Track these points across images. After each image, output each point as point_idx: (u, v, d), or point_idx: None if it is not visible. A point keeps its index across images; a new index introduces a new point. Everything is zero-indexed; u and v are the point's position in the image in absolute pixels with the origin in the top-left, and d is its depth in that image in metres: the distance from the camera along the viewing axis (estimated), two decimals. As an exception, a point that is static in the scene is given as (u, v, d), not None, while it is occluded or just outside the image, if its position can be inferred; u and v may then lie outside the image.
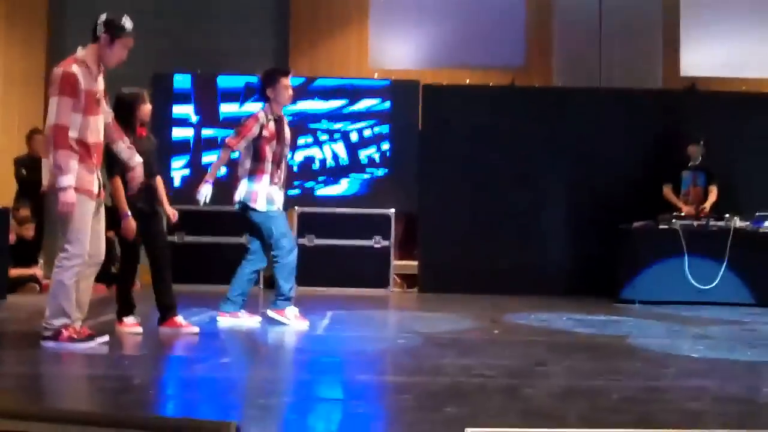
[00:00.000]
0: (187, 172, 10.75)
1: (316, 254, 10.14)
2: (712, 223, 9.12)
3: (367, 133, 10.77)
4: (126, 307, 6.01)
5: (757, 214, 9.21)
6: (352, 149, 10.76)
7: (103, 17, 5.21)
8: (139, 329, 5.91)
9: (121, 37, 5.21)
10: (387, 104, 10.81)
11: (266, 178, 6.54)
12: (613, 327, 6.90)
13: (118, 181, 5.83)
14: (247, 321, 6.61)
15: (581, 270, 9.96)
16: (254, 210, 6.52)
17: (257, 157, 6.54)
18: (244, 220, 6.66)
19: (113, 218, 5.94)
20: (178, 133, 10.76)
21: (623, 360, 5.15)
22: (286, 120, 6.78)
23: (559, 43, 12.03)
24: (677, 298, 8.82)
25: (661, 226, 9.09)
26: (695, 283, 8.86)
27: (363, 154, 10.77)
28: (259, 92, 6.72)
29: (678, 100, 10.71)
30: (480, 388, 4.13)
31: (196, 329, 6.02)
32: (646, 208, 9.48)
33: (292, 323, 6.41)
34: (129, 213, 5.84)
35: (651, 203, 9.59)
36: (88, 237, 5.09)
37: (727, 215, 9.13)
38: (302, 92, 10.58)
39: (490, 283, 9.94)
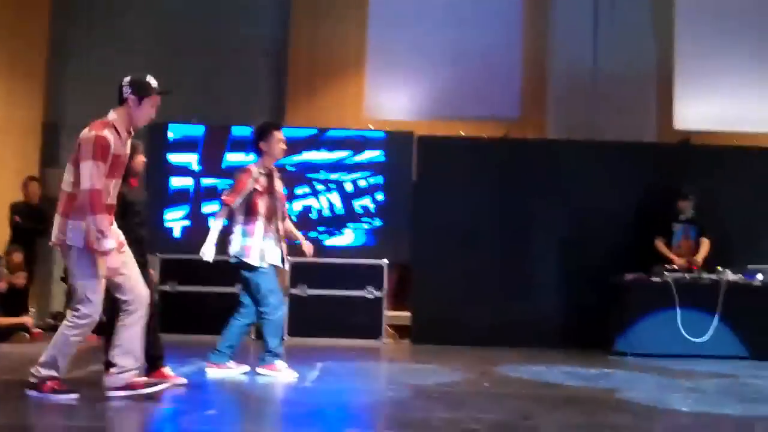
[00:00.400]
0: (187, 222, 10.81)
1: (308, 304, 10.14)
2: (704, 275, 9.14)
3: (362, 183, 10.82)
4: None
5: (748, 267, 9.24)
6: (347, 199, 10.81)
7: (127, 79, 5.29)
8: (126, 379, 5.86)
9: (150, 96, 5.27)
10: (381, 155, 10.87)
11: (259, 232, 6.57)
12: (604, 380, 6.87)
13: None
14: (236, 371, 6.59)
15: (574, 322, 9.94)
16: (246, 264, 6.54)
17: (250, 211, 6.58)
18: (237, 273, 6.68)
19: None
20: (177, 182, 10.82)
21: (611, 414, 5.12)
22: (276, 173, 6.82)
23: (554, 95, 12.12)
24: (670, 350, 8.80)
25: (653, 279, 9.11)
26: (688, 336, 8.86)
27: (357, 204, 10.81)
28: (253, 145, 6.78)
29: (671, 153, 10.78)
30: (466, 443, 4.11)
31: (184, 380, 5.98)
32: (639, 260, 9.50)
33: (280, 375, 6.39)
34: None
35: (643, 256, 9.61)
36: (100, 297, 5.12)
37: (719, 268, 9.15)
38: (304, 144, 10.73)
39: (482, 335, 9.91)
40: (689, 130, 11.60)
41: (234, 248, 6.58)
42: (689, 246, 9.73)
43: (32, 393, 5.05)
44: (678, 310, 8.90)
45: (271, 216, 6.65)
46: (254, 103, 11.97)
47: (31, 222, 10.32)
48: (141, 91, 5.24)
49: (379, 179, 10.86)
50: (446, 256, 10.38)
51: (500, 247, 10.30)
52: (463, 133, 11.29)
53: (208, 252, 6.52)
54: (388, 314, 10.51)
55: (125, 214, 5.87)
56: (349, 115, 11.99)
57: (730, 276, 9.07)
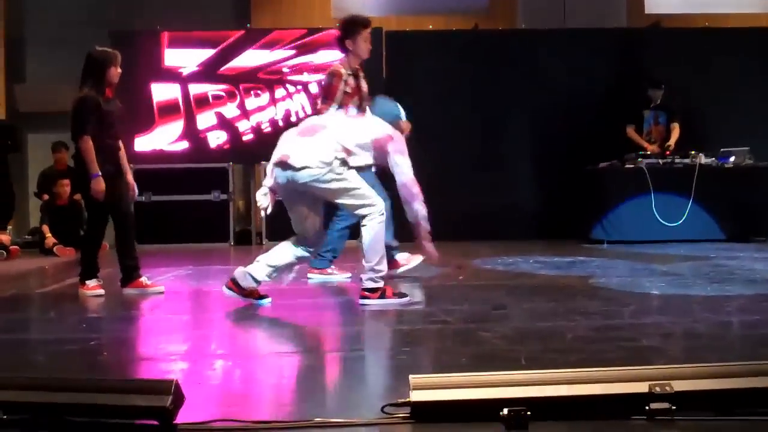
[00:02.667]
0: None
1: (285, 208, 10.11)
2: (677, 160, 9.16)
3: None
4: (89, 270, 5.96)
5: (722, 150, 9.26)
6: (315, 100, 10.67)
7: None
8: (102, 291, 5.88)
9: None
10: (351, 54, 10.68)
11: None
12: (578, 268, 6.94)
13: (88, 141, 5.75)
14: (338, 276, 6.51)
15: (550, 213, 10.00)
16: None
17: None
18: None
19: (80, 179, 5.89)
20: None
21: (583, 300, 5.17)
22: (361, 73, 6.48)
23: (524, -16, 11.94)
24: (645, 236, 8.87)
25: (627, 166, 9.13)
26: (663, 221, 8.91)
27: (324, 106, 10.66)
28: (338, 43, 6.41)
29: (642, 38, 10.69)
30: (436, 335, 4.15)
31: (162, 288, 6.00)
32: (612, 148, 9.49)
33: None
34: (99, 173, 5.76)
35: (616, 144, 9.60)
36: None
37: (693, 152, 9.16)
38: (261, 44, 10.54)
39: (459, 230, 9.95)
40: (660, 13, 11.49)
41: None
42: (660, 131, 9.73)
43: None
44: (652, 196, 8.93)
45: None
46: (217, 2, 11.79)
47: (1, 138, 10.19)
48: None
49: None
50: (420, 152, 10.27)
51: (473, 140, 10.28)
52: (431, 27, 11.13)
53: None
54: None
55: (100, 124, 5.80)
56: (316, 14, 11.79)
57: (703, 159, 9.10)
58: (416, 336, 4.12)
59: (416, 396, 2.58)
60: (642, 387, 2.60)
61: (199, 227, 10.19)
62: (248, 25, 11.38)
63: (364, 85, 6.46)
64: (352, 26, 6.30)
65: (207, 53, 10.60)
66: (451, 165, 10.28)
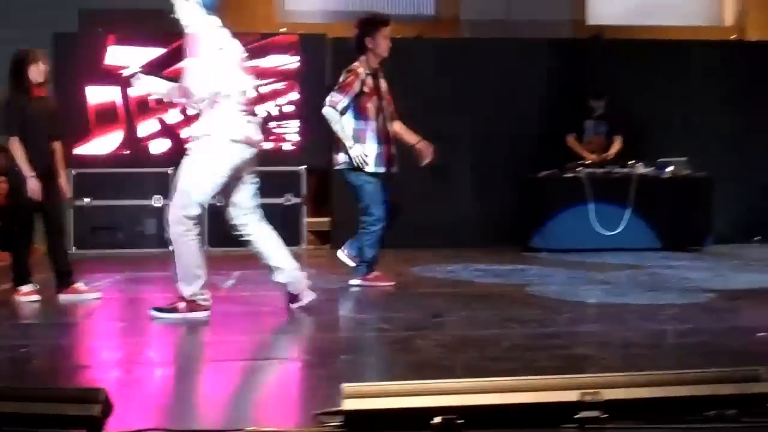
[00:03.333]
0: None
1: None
2: (616, 170, 9.27)
3: (275, 89, 10.59)
4: (21, 275, 5.84)
5: (659, 160, 9.40)
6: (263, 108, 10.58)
7: None
8: (36, 297, 5.78)
9: None
10: (295, 59, 10.65)
11: (373, 137, 6.28)
12: (517, 276, 6.99)
13: (16, 142, 5.66)
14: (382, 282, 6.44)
15: (490, 221, 10.04)
16: (361, 171, 6.27)
17: (359, 115, 6.26)
18: (345, 179, 6.46)
19: (13, 180, 5.79)
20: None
21: (520, 308, 5.22)
22: (381, 72, 6.44)
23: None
24: (584, 245, 8.94)
25: (566, 175, 9.22)
26: (601, 230, 9.01)
27: (270, 112, 10.58)
28: (356, 42, 6.36)
29: (584, 49, 10.81)
30: (373, 343, 4.16)
31: (98, 294, 5.91)
32: (553, 158, 9.58)
33: (377, 284, 6.31)
34: (34, 174, 5.67)
35: (557, 153, 9.69)
36: None
37: (631, 162, 9.29)
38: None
39: (401, 237, 9.91)
40: (602, 24, 11.65)
41: (343, 154, 6.28)
42: (600, 142, 9.85)
43: None
44: (591, 205, 9.03)
45: (380, 119, 6.34)
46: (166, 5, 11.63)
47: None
48: None
49: (293, 84, 10.65)
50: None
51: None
52: (376, 35, 11.13)
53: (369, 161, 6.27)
54: (309, 221, 10.51)
55: (28, 125, 5.70)
56: (261, 19, 11.73)
57: (641, 169, 9.22)
58: (353, 344, 4.12)
59: (349, 405, 2.58)
60: (572, 395, 2.63)
61: (139, 233, 10.07)
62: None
63: (384, 85, 6.43)
64: (372, 24, 6.29)
65: (154, 53, 10.39)
66: (412, 172, 10.27)
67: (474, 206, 10.26)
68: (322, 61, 10.59)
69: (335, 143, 6.42)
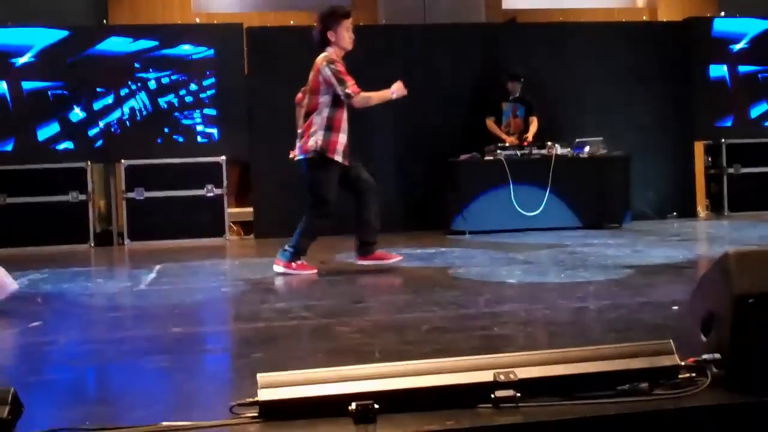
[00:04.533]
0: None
1: (147, 207, 9.93)
2: (534, 151, 9.39)
3: (192, 80, 10.44)
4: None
5: (577, 140, 9.54)
6: (180, 99, 10.41)
7: None
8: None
9: None
10: (211, 50, 10.52)
11: (345, 127, 6.23)
12: (440, 259, 7.04)
13: None
14: (391, 258, 6.41)
15: (413, 205, 10.10)
16: (325, 159, 6.15)
17: (337, 105, 6.18)
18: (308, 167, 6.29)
19: None
20: None
21: (441, 291, 5.25)
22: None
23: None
24: (505, 226, 9.07)
25: (486, 158, 9.30)
26: (521, 211, 9.13)
27: (187, 103, 10.43)
28: (319, 37, 6.28)
29: (499, 32, 10.90)
30: (293, 331, 4.13)
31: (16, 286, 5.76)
32: (472, 141, 9.66)
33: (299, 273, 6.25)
34: None
35: (476, 136, 9.78)
36: None
37: (549, 143, 9.42)
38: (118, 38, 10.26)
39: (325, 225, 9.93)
40: (517, 8, 11.76)
41: (316, 142, 6.17)
42: (518, 124, 9.97)
43: None
44: (511, 187, 9.14)
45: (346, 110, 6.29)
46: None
47: None
48: None
49: (211, 75, 10.52)
50: (284, 148, 10.25)
51: (337, 135, 10.27)
52: (293, 23, 11.08)
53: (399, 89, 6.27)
54: (232, 211, 10.43)
55: None
56: (176, 10, 11.59)
57: (559, 150, 9.36)
58: (273, 333, 4.09)
59: (264, 395, 2.56)
60: (487, 376, 2.65)
61: (57, 229, 9.88)
62: (105, 21, 11.08)
63: None
64: (333, 17, 6.23)
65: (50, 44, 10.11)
66: (315, 160, 10.25)
67: (397, 191, 10.30)
68: (239, 50, 10.50)
69: (304, 131, 6.29)
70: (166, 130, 10.31)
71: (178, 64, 10.33)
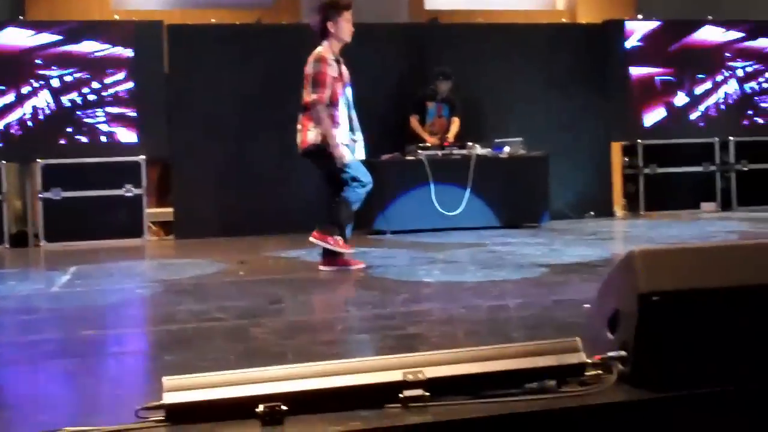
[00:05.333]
0: None
1: (63, 207, 9.73)
2: (455, 151, 9.46)
3: (110, 78, 10.26)
4: None
5: (496, 140, 9.64)
6: (99, 96, 10.21)
7: None
8: None
9: None
10: (130, 49, 10.34)
11: (344, 120, 6.14)
12: (359, 258, 7.00)
13: None
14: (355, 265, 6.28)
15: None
16: (328, 153, 6.05)
17: (332, 100, 6.07)
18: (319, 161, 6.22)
19: None
20: None
21: (360, 291, 5.26)
22: (341, 59, 6.30)
23: (307, -21, 11.98)
24: (426, 225, 9.12)
25: (407, 158, 9.34)
26: (442, 210, 9.19)
27: (107, 101, 10.23)
28: (319, 28, 6.16)
29: (422, 33, 10.96)
30: (207, 333, 4.09)
31: None
32: (394, 141, 9.69)
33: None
34: None
35: (398, 137, 9.81)
36: None
37: (469, 143, 9.50)
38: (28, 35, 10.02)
39: (247, 225, 9.90)
40: (439, 9, 11.84)
41: (316, 137, 6.08)
42: (442, 124, 10.04)
43: None
44: (432, 186, 9.19)
45: (345, 104, 6.20)
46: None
47: None
48: None
49: (130, 73, 10.34)
50: (205, 148, 10.21)
51: (258, 135, 10.22)
52: (215, 21, 10.98)
53: (345, 152, 6.06)
54: (151, 211, 10.29)
55: None
56: (94, 6, 11.38)
57: (479, 150, 9.45)
58: (186, 335, 4.04)
59: (170, 398, 2.53)
60: (396, 375, 2.65)
61: None
62: (21, 17, 10.82)
63: (346, 72, 6.30)
64: (334, 8, 6.13)
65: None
66: (238, 159, 10.19)
67: (318, 190, 10.24)
68: (159, 48, 10.36)
69: (303, 126, 6.23)
70: (79, 128, 10.09)
71: (92, 62, 10.14)
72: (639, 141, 11.35)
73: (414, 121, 9.97)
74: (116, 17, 10.83)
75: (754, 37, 12.04)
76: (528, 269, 5.94)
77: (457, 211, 9.20)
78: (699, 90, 11.83)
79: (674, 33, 11.75)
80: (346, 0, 6.21)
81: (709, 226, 9.19)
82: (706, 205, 11.45)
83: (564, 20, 12.30)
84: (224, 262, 7.17)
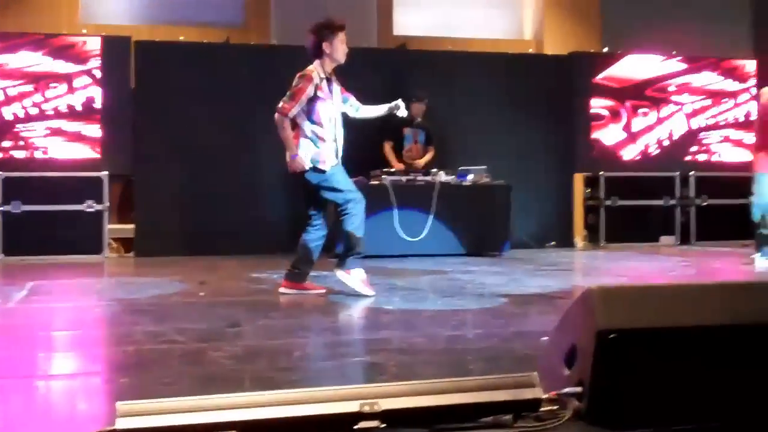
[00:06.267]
0: None
1: (24, 221, 9.63)
2: (419, 178, 9.49)
3: (75, 92, 10.19)
4: None
5: (460, 168, 9.69)
6: (63, 110, 10.13)
7: None
8: None
9: None
10: (97, 63, 10.28)
11: (329, 138, 6.16)
12: (320, 282, 6.98)
13: None
14: (313, 291, 6.28)
15: (298, 228, 10.01)
16: (321, 170, 6.11)
17: (315, 120, 6.10)
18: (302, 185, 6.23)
19: None
20: None
21: (319, 316, 5.24)
22: (335, 79, 6.31)
23: (277, 1, 12.00)
24: (388, 251, 9.12)
25: (372, 182, 9.36)
26: (405, 236, 9.21)
27: (71, 115, 10.15)
28: (313, 47, 6.17)
29: (390, 59, 11.01)
30: (164, 355, 4.05)
31: None
32: (362, 165, 9.67)
33: (358, 288, 6.09)
34: None
35: (367, 161, 9.80)
36: None
37: (434, 170, 9.54)
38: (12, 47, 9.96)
39: (209, 245, 9.86)
40: (408, 35, 11.91)
41: (306, 156, 6.09)
42: (419, 150, 10.09)
43: None
44: (395, 212, 9.21)
45: (333, 124, 6.20)
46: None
47: None
48: None
49: (96, 87, 10.27)
50: (170, 165, 10.16)
51: (224, 155, 10.20)
52: (183, 38, 10.96)
53: (301, 162, 6.10)
54: (112, 227, 10.21)
55: None
56: (63, 21, 11.30)
57: (443, 177, 9.49)
58: (142, 357, 4.00)
59: (123, 423, 2.50)
60: (353, 406, 2.65)
61: None
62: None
63: (337, 90, 6.30)
64: (329, 29, 6.18)
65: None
66: (201, 178, 10.16)
67: (281, 213, 10.24)
68: (126, 64, 10.32)
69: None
70: (41, 141, 10.01)
71: (58, 76, 10.08)
72: (601, 173, 11.46)
73: (387, 147, 10.00)
74: (84, 31, 10.76)
75: (714, 72, 12.25)
76: (488, 299, 5.96)
77: (420, 237, 9.22)
78: (662, 124, 11.99)
79: (639, 67, 11.92)
80: (341, 21, 6.30)
81: (667, 261, 9.29)
82: (665, 239, 11.58)
83: (531, 50, 12.41)
84: (184, 281, 7.13)
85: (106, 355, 4.24)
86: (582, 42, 12.25)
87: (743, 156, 11.89)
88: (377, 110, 6.56)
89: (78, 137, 10.12)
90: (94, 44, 10.31)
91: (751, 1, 13.38)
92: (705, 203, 11.82)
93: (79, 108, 10.14)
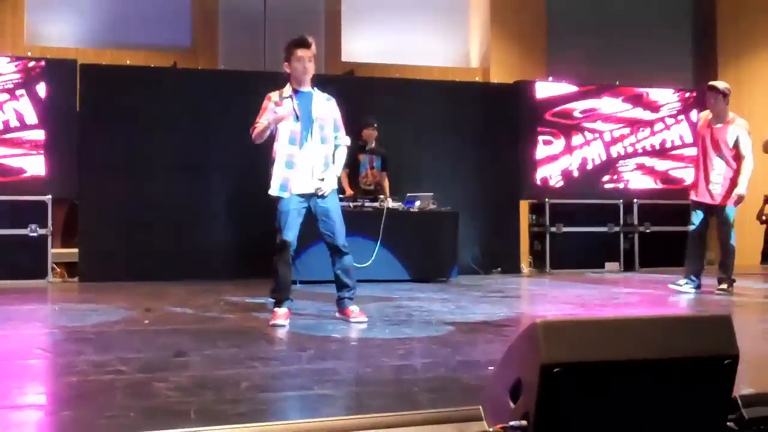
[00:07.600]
0: None
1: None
2: (367, 204, 9.52)
3: (18, 115, 10.07)
4: None
5: (407, 194, 9.74)
6: (6, 132, 10.00)
7: None
8: None
9: None
10: (41, 85, 10.17)
11: (282, 160, 6.07)
12: (267, 310, 6.97)
13: None
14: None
15: (246, 253, 10.03)
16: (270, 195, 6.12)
17: (275, 137, 6.09)
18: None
19: None
20: None
21: (266, 345, 5.22)
22: (320, 95, 6.21)
23: (225, 25, 12.02)
24: (336, 277, 9.08)
25: (319, 209, 9.34)
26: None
27: (15, 138, 10.02)
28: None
29: (338, 85, 11.01)
30: (108, 387, 4.00)
31: None
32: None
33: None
34: None
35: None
36: None
37: (381, 196, 9.58)
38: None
39: (155, 270, 9.77)
40: (355, 62, 11.98)
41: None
42: (375, 176, 10.14)
43: None
44: (343, 238, 9.19)
45: (302, 141, 6.06)
46: None
47: None
48: None
49: (39, 111, 10.16)
50: (114, 189, 10.08)
51: (169, 179, 10.15)
52: (129, 62, 10.90)
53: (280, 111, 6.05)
54: (56, 252, 10.08)
55: None
56: (8, 42, 11.19)
57: (390, 203, 9.53)
58: (86, 388, 3.94)
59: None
60: (300, 441, 2.66)
61: None
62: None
63: (320, 108, 6.19)
64: (286, 49, 6.14)
65: None
66: (146, 203, 10.09)
67: (229, 238, 10.21)
68: (72, 87, 10.23)
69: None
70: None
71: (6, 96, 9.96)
72: (546, 200, 11.60)
73: (343, 173, 10.00)
74: (29, 54, 10.65)
75: (653, 103, 12.47)
76: (434, 327, 5.98)
77: (367, 263, 9.22)
78: (609, 151, 12.17)
79: (583, 97, 12.11)
80: (295, 39, 6.22)
81: (611, 287, 9.41)
82: (610, 265, 11.75)
83: (477, 78, 12.56)
84: (129, 308, 7.05)
85: (49, 386, 4.17)
86: (527, 71, 12.42)
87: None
88: (338, 167, 6.51)
89: (22, 160, 9.99)
90: (38, 66, 10.18)
91: (693, 33, 13.70)
92: (648, 230, 12.02)
93: (23, 130, 10.01)
